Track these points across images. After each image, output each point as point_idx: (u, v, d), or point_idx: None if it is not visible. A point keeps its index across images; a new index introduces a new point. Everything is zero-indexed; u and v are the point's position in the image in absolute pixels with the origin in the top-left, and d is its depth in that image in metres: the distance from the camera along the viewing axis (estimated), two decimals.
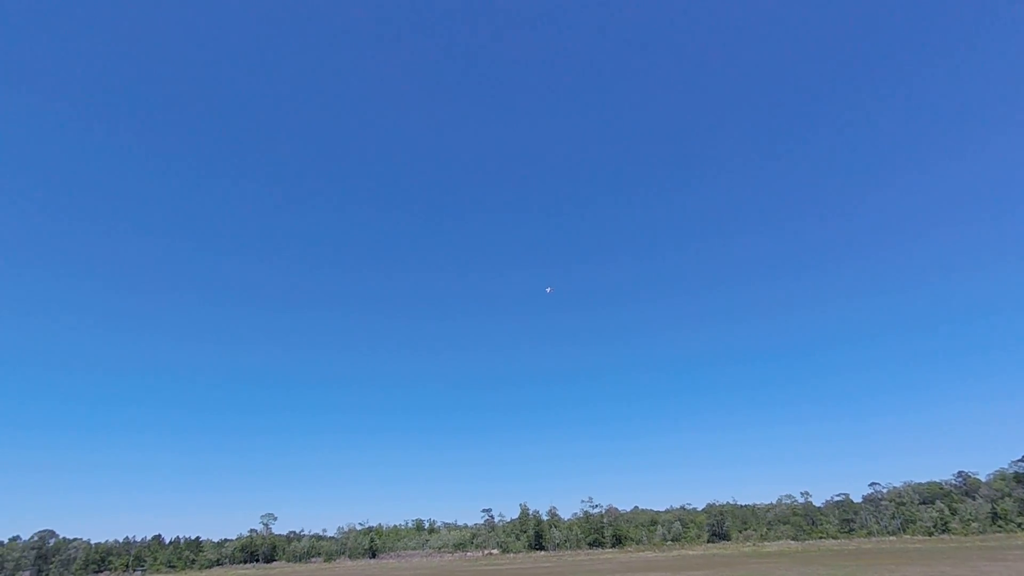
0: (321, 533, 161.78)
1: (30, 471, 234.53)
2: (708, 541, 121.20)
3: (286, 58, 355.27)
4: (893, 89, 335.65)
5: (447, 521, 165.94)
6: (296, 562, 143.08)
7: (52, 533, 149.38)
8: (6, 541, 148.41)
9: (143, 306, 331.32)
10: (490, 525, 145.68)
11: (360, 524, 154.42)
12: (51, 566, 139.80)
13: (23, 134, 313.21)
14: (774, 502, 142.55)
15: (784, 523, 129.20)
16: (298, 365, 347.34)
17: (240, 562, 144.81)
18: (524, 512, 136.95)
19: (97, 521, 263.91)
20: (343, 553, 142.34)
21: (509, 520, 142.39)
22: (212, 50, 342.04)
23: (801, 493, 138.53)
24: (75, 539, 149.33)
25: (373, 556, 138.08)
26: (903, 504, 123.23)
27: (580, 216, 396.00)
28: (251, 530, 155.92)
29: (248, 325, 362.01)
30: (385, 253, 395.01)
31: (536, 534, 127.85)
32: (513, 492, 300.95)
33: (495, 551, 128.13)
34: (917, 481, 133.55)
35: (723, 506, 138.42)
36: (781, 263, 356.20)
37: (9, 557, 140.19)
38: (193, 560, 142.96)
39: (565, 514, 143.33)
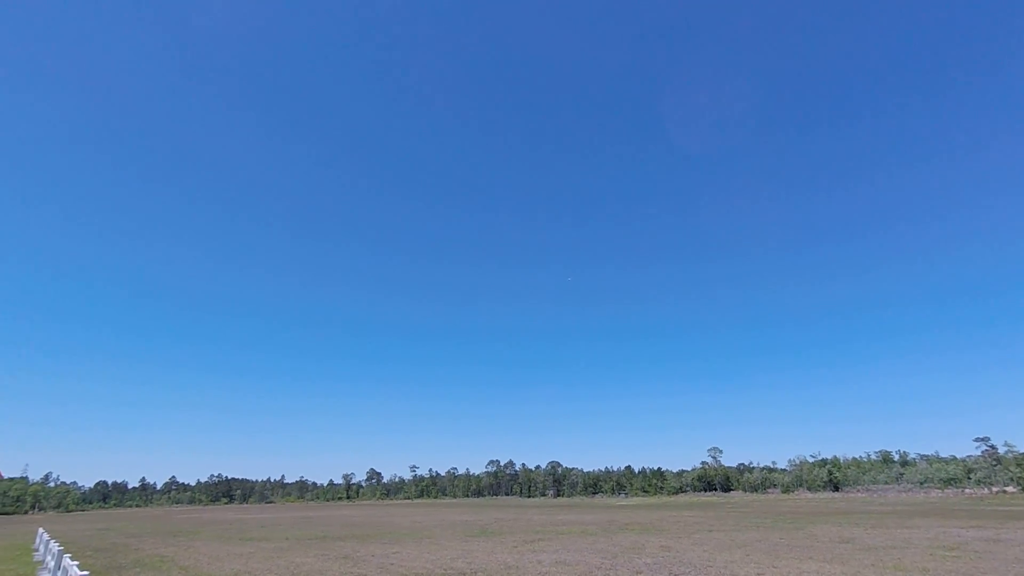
0: (771, 465, 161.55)
1: (540, 421, 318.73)
2: None
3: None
4: None
5: (923, 452, 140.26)
6: (752, 492, 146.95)
7: (559, 464, 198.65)
8: (532, 468, 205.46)
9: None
10: (992, 457, 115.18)
11: (812, 456, 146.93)
12: (563, 486, 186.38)
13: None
14: None
15: None
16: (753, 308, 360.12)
17: (700, 490, 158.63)
18: None
19: (588, 455, 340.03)
20: (800, 485, 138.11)
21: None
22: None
23: None
24: (574, 468, 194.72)
25: (836, 489, 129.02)
26: None
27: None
28: (702, 462, 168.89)
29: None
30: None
31: None
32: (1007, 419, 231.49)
33: (1010, 488, 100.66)
34: None
35: None
36: None
37: (537, 480, 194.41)
38: (660, 487, 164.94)
39: None
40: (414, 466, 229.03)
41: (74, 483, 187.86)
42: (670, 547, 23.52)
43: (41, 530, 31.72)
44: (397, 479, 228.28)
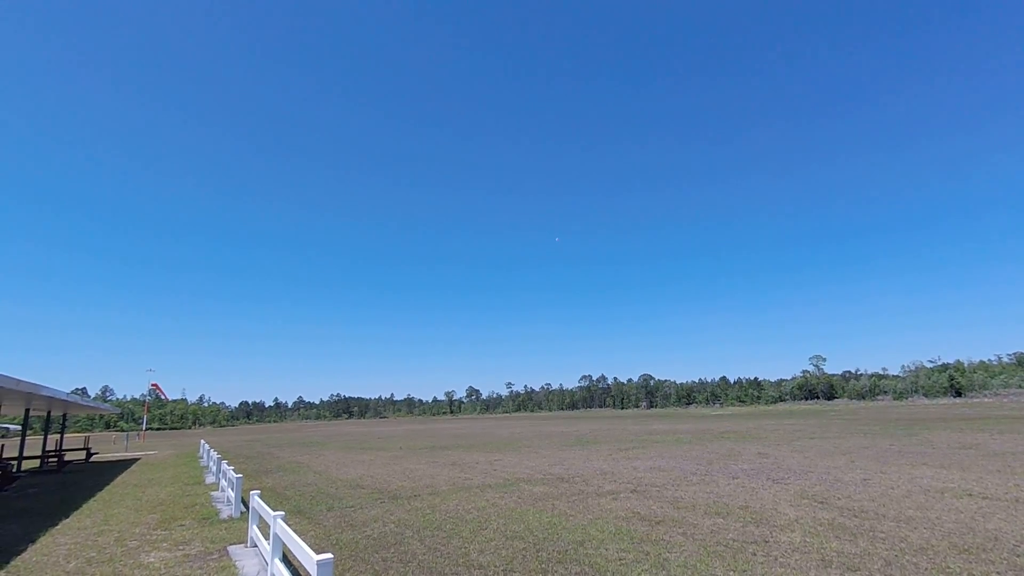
0: (881, 372, 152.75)
1: (631, 337, 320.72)
2: None
3: None
4: None
5: None
6: (859, 400, 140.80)
7: (651, 376, 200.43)
8: (625, 382, 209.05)
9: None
10: None
11: (930, 361, 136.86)
12: (655, 398, 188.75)
13: None
14: None
15: None
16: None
17: (800, 399, 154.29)
18: None
19: (680, 368, 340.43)
20: (915, 392, 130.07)
21: None
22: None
23: None
24: (667, 380, 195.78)
25: (958, 395, 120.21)
26: None
27: None
28: (803, 371, 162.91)
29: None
30: None
31: None
32: None
33: None
34: None
35: None
36: None
37: (629, 392, 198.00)
38: (757, 396, 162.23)
39: None
40: (510, 383, 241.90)
41: (223, 403, 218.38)
42: (768, 454, 23.33)
43: (203, 441, 37.53)
44: (495, 395, 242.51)
